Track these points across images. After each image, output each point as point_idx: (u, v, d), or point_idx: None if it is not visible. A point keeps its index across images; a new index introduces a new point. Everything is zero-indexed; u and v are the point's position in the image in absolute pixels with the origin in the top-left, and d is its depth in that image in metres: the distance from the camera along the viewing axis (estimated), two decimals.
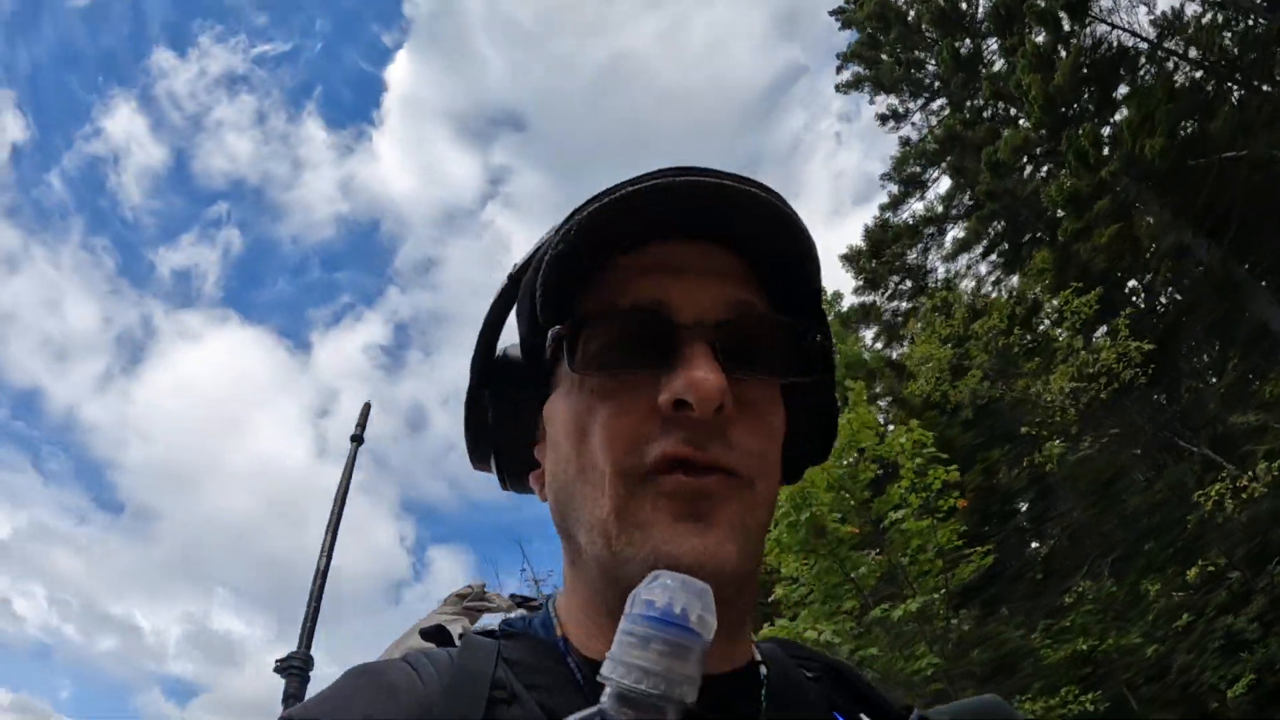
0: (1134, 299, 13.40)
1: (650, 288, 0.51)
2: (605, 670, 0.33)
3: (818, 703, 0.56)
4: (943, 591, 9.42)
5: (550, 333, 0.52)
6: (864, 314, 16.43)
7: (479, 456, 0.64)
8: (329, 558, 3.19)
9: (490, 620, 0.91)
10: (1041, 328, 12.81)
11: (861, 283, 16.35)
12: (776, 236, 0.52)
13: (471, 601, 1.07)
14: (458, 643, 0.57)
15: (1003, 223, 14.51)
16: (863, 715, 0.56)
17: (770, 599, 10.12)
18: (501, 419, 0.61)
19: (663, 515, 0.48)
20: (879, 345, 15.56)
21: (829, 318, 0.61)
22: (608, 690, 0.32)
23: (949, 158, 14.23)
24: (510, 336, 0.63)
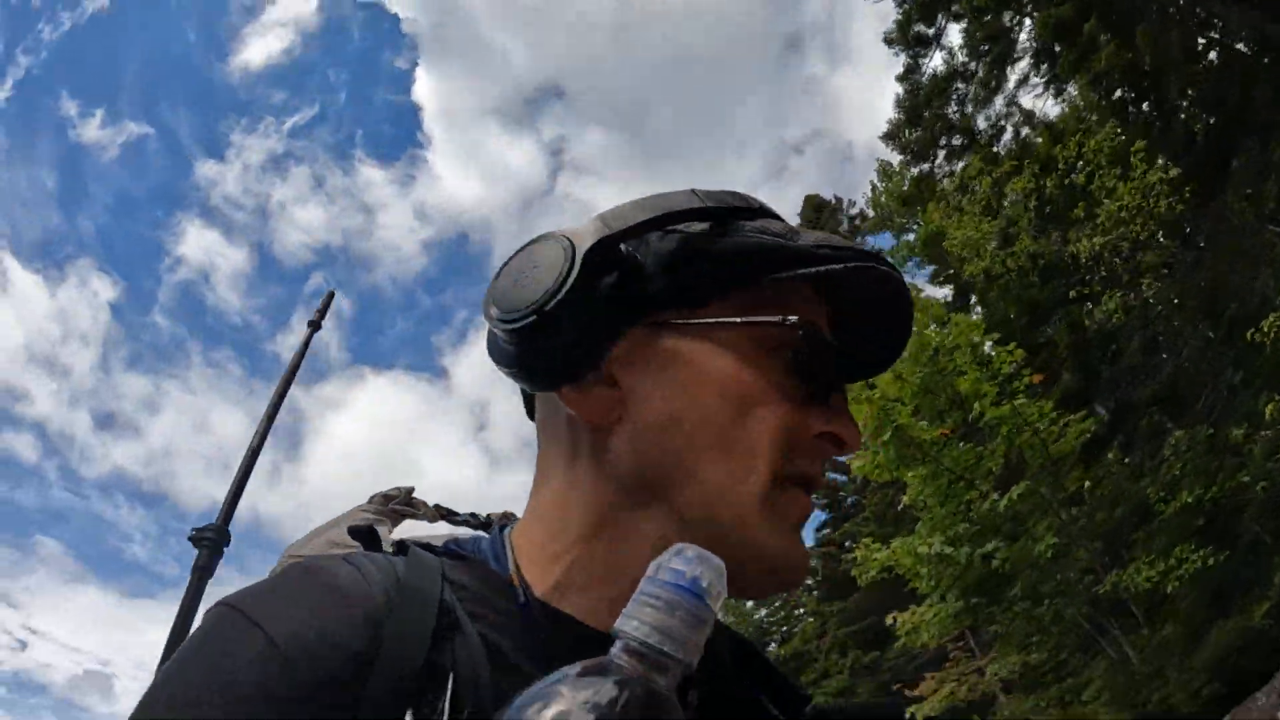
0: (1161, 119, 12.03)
1: (824, 328, 0.57)
2: (622, 625, 0.34)
3: (733, 678, 0.58)
4: (1047, 466, 9.12)
5: (784, 317, 0.53)
6: (919, 187, 15.41)
7: (538, 322, 0.52)
8: (263, 437, 2.89)
9: (419, 531, 0.73)
10: (1076, 174, 11.94)
11: (909, 157, 15.38)
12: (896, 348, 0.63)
13: (398, 504, 0.97)
14: (387, 548, 0.56)
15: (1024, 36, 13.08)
16: (765, 700, 0.58)
17: (900, 506, 9.94)
18: (597, 305, 0.53)
19: (789, 523, 0.53)
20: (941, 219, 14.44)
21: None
22: (619, 643, 0.34)
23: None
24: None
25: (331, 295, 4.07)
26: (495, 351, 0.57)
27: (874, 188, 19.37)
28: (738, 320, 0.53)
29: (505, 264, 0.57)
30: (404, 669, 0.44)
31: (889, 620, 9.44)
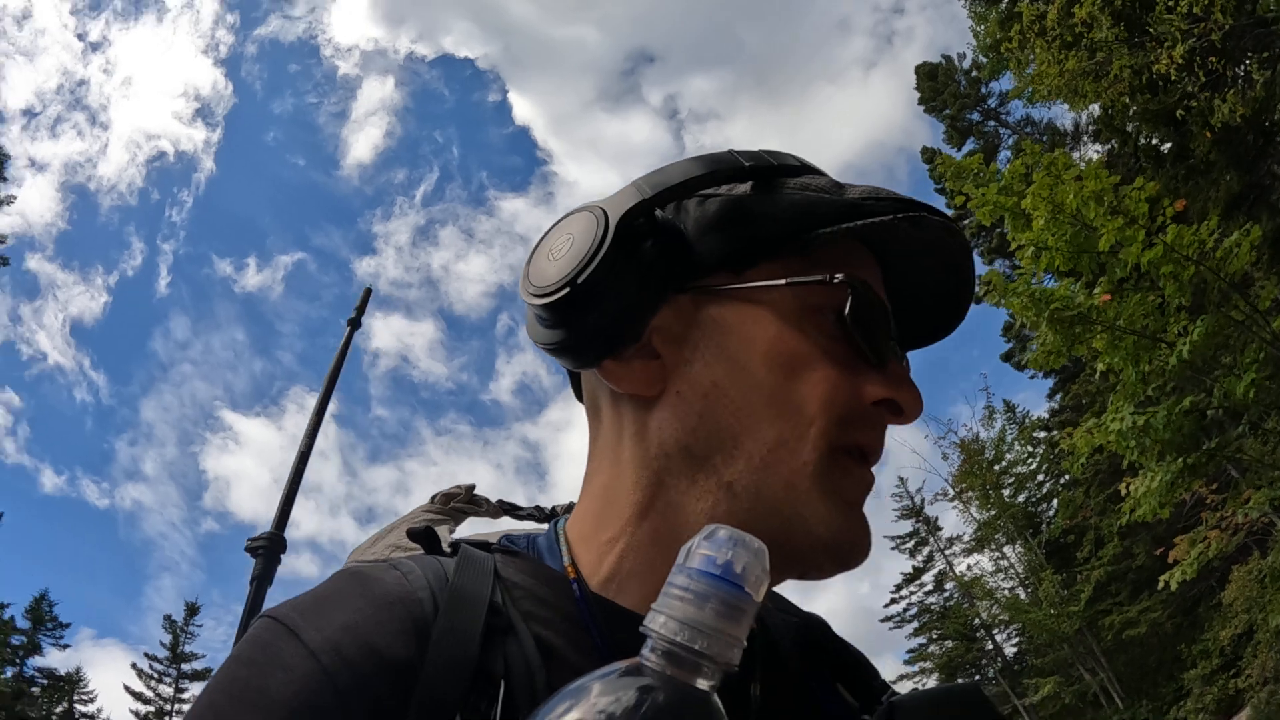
0: None
1: (876, 286, 0.54)
2: (651, 623, 0.31)
3: (797, 666, 0.56)
4: (1226, 291, 8.36)
5: (830, 276, 0.51)
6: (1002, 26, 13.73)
7: (573, 295, 0.49)
8: (312, 440, 2.59)
9: (481, 528, 0.76)
10: None
11: None
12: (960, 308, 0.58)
13: (459, 502, 0.95)
14: (445, 548, 0.56)
15: None
16: (839, 686, 0.56)
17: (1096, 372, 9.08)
18: (635, 274, 0.50)
19: (846, 497, 0.50)
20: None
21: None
22: (650, 643, 0.31)
23: None
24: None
25: (369, 292, 3.94)
26: (534, 330, 0.54)
27: (974, 33, 17.74)
28: (783, 282, 0.51)
29: (540, 240, 0.55)
30: (453, 675, 0.43)
31: (1121, 489, 8.66)
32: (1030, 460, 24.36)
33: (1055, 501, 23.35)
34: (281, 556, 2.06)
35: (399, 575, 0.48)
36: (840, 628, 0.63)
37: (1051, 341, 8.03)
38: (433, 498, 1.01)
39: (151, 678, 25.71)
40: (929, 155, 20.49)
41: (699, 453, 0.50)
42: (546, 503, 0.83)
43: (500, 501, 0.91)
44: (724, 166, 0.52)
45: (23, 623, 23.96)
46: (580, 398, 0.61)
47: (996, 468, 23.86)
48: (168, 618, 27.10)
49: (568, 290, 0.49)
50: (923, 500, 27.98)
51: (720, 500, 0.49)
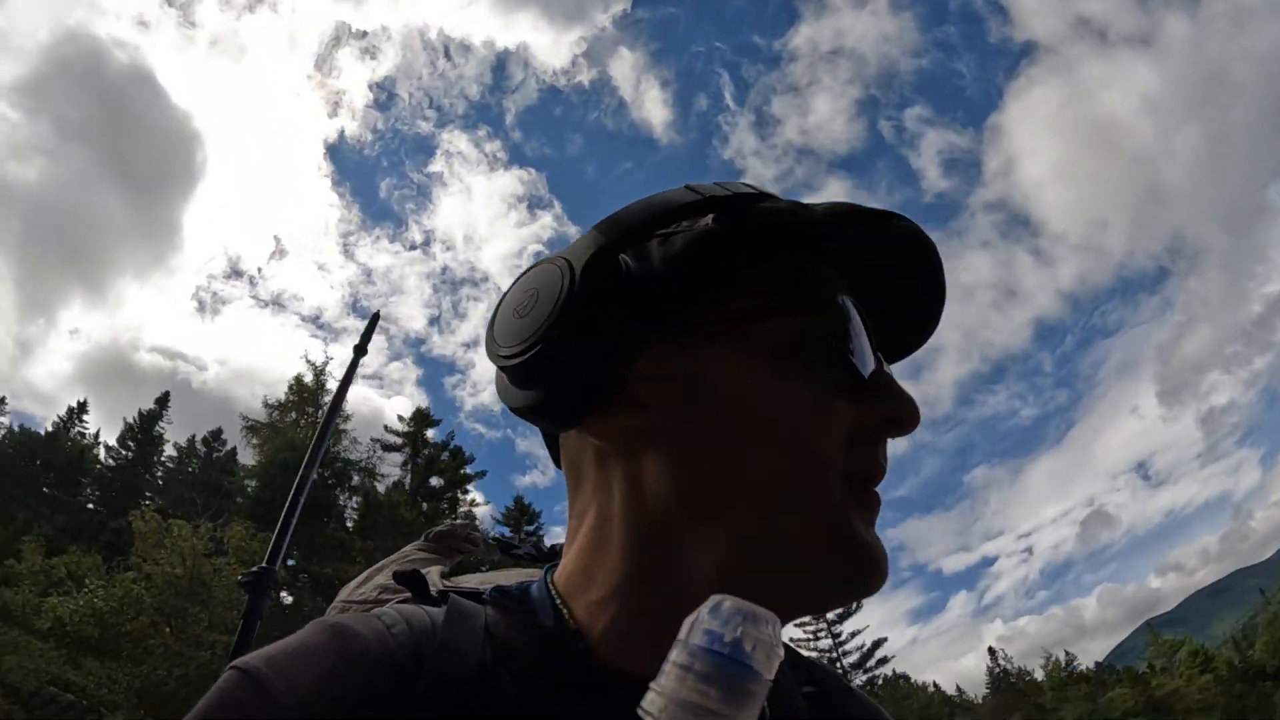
0: None
1: (854, 305, 0.52)
2: (650, 706, 0.28)
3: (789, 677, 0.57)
4: None
5: (814, 298, 0.50)
6: None
7: (545, 351, 0.48)
8: (311, 469, 2.69)
9: (473, 578, 0.68)
10: None
11: None
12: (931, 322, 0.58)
13: (454, 542, 1.00)
14: (433, 591, 0.56)
15: None
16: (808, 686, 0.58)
17: None
18: (607, 324, 0.48)
19: (861, 527, 0.48)
20: None
21: None
22: None
23: None
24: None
25: (377, 316, 4.00)
26: (507, 394, 0.52)
27: None
28: (762, 313, 0.50)
29: (502, 298, 0.53)
30: None
31: None
32: None
33: None
34: (271, 592, 2.17)
35: (381, 629, 0.46)
36: None
37: None
38: (426, 534, 1.00)
39: None
40: None
41: (702, 501, 0.47)
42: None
43: (496, 539, 0.88)
44: (683, 202, 0.51)
45: None
46: (557, 462, 0.58)
47: None
48: None
49: (539, 347, 0.47)
50: None
51: (731, 549, 0.47)
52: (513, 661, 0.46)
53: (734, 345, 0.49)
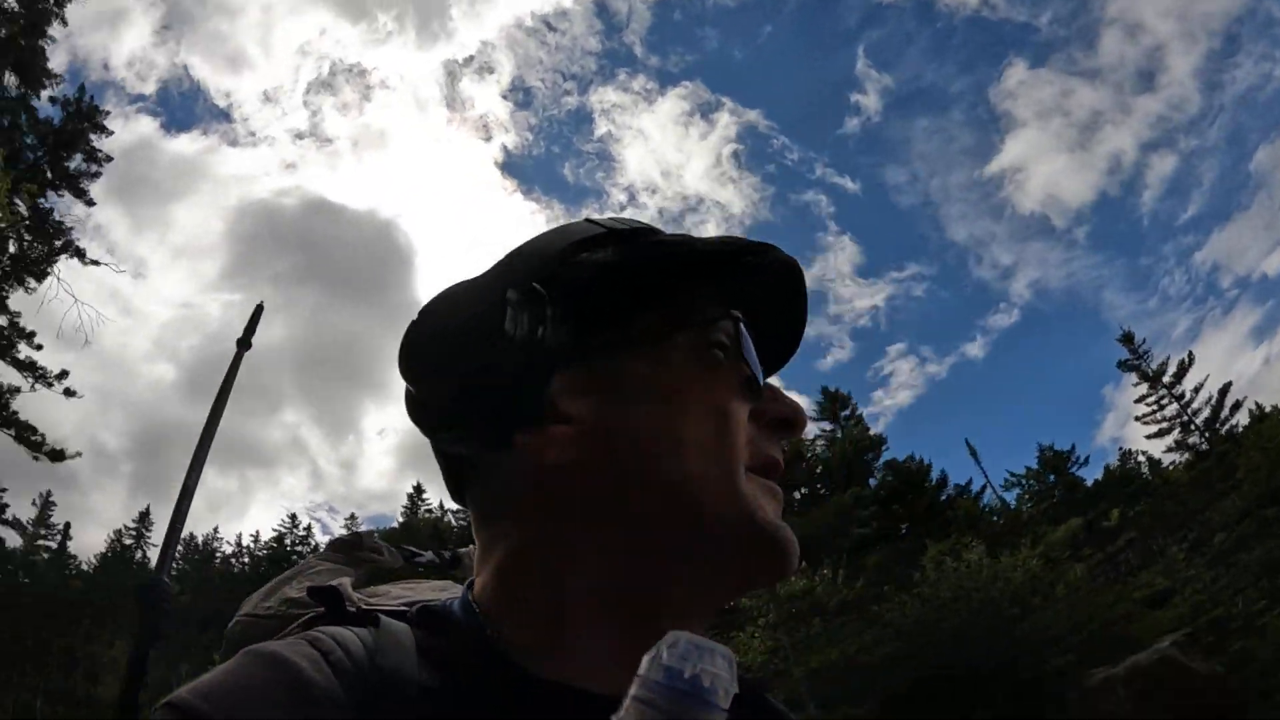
0: None
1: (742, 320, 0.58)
2: None
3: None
4: None
5: (713, 314, 0.56)
6: None
7: (474, 370, 0.51)
8: (197, 474, 2.65)
9: (394, 591, 0.69)
10: None
11: None
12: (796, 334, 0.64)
13: (359, 551, 0.94)
14: (349, 604, 0.56)
15: None
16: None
17: None
18: (526, 346, 0.51)
19: (772, 515, 0.53)
20: None
21: None
22: None
23: None
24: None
25: (260, 309, 3.75)
26: (423, 415, 0.56)
27: None
28: (666, 329, 0.55)
29: (414, 323, 0.55)
30: None
31: None
32: None
33: None
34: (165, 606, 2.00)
35: (317, 656, 0.45)
36: None
37: None
38: (330, 543, 1.00)
39: None
40: None
41: (621, 504, 0.50)
42: None
43: (400, 546, 0.90)
44: (587, 234, 0.56)
45: None
46: (453, 489, 0.60)
47: None
48: None
49: (464, 371, 0.51)
50: None
51: (659, 549, 0.50)
52: (454, 685, 0.46)
53: (643, 359, 0.54)
